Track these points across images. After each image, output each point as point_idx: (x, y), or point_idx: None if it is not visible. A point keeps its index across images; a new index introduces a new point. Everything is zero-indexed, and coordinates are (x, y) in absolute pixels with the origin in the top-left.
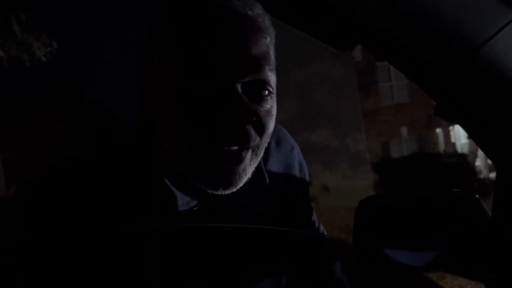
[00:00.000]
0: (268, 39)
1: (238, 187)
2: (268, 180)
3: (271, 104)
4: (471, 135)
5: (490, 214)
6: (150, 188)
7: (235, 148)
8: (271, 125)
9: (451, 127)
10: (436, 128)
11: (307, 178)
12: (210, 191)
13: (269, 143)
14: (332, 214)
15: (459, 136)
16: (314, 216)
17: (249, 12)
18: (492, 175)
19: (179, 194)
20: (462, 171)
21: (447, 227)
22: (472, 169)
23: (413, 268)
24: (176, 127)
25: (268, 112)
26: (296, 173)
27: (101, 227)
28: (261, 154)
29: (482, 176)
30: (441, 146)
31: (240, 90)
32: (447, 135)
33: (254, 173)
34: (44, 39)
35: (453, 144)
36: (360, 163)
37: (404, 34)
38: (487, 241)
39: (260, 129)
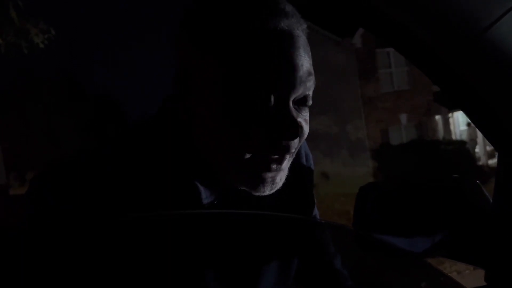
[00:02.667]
0: (310, 54)
1: (275, 189)
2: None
3: (308, 112)
4: (473, 120)
5: (491, 199)
6: (177, 182)
7: (279, 156)
8: (307, 130)
9: (450, 114)
10: (436, 115)
11: (312, 168)
12: (252, 193)
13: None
14: (332, 201)
15: (458, 123)
16: (316, 211)
17: (299, 31)
18: (491, 161)
19: (203, 189)
20: (461, 158)
21: (447, 213)
22: (471, 156)
23: (413, 254)
24: (228, 137)
25: (307, 121)
26: (304, 162)
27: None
28: (292, 158)
29: (481, 162)
30: (440, 133)
31: (291, 105)
32: (446, 122)
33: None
34: (42, 26)
35: (452, 131)
36: (360, 150)
37: (408, 18)
38: (488, 227)
39: (301, 137)
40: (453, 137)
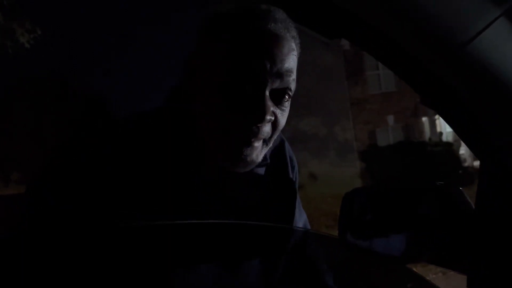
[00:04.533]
0: (296, 55)
1: (251, 168)
2: (269, 160)
3: (287, 106)
4: (455, 129)
5: (473, 205)
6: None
7: (257, 138)
8: (283, 122)
9: (437, 116)
10: (422, 117)
11: (296, 170)
12: (231, 169)
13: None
14: (320, 201)
15: (445, 125)
16: (302, 212)
17: (287, 35)
18: (476, 163)
19: (197, 169)
20: (447, 160)
21: (430, 219)
22: (456, 158)
23: (396, 259)
24: (217, 118)
25: (283, 113)
26: (288, 163)
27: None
28: (270, 145)
29: (466, 164)
30: (427, 134)
31: (268, 94)
32: (433, 124)
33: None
34: (28, 26)
35: (439, 133)
36: (348, 151)
37: (390, 28)
38: (469, 233)
39: (274, 126)
40: (439, 139)
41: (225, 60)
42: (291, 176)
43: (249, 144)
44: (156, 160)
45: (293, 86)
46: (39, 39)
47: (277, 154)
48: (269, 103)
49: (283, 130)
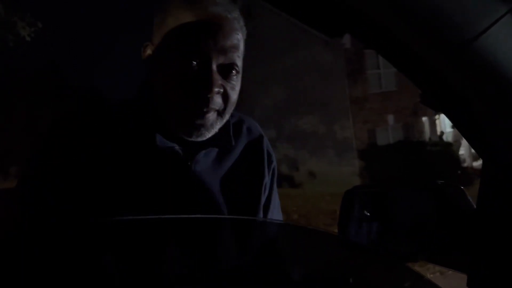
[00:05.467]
0: (240, 35)
1: (207, 138)
2: (233, 143)
3: (236, 81)
4: (458, 127)
5: (474, 205)
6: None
7: (206, 108)
8: (234, 96)
9: (436, 116)
10: (422, 117)
11: (274, 167)
12: (187, 138)
13: (241, 128)
14: (318, 200)
15: (445, 125)
16: (278, 210)
17: (229, 15)
18: (476, 163)
19: (161, 138)
20: (446, 159)
21: (431, 217)
22: (456, 158)
23: (396, 257)
24: (172, 93)
25: (233, 87)
26: (264, 158)
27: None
28: (226, 118)
29: (465, 164)
30: (427, 134)
31: (215, 69)
32: (432, 124)
33: (222, 135)
34: (29, 19)
35: (439, 133)
36: (347, 150)
37: (394, 24)
38: (470, 232)
39: (225, 98)
40: (439, 139)
41: (174, 41)
42: (266, 171)
43: (202, 114)
44: (124, 139)
45: (239, 62)
46: (40, 32)
47: (253, 147)
48: (216, 76)
49: (281, 128)
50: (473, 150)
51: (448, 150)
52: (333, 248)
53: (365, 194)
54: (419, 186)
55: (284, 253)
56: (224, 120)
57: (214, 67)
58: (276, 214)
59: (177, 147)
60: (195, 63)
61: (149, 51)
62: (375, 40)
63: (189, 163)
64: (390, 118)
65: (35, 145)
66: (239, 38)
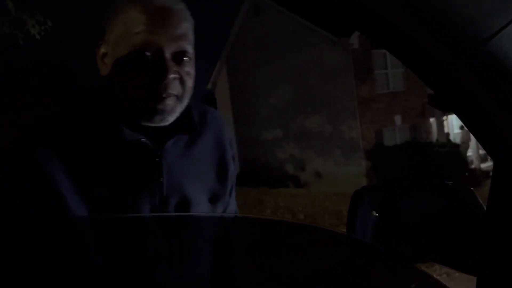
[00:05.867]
0: (188, 24)
1: (169, 122)
2: (198, 128)
3: (190, 67)
4: (469, 127)
5: (484, 206)
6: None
7: (165, 94)
8: (190, 81)
9: (444, 117)
10: (430, 118)
11: (234, 152)
12: (151, 124)
13: (206, 117)
14: (324, 200)
15: (452, 126)
16: (233, 194)
17: (174, 7)
18: (483, 165)
19: (127, 130)
20: (453, 161)
21: (440, 218)
22: (463, 159)
23: (404, 257)
24: (131, 84)
25: (188, 73)
26: (228, 145)
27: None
28: (185, 102)
29: (473, 166)
30: (434, 135)
31: (168, 56)
32: (440, 124)
33: (187, 123)
34: (39, 17)
35: (446, 134)
36: (354, 150)
37: (406, 22)
38: (481, 234)
39: (182, 83)
40: (447, 140)
41: (126, 36)
42: (231, 158)
43: (161, 99)
44: (94, 135)
45: (190, 49)
46: (50, 30)
47: (218, 136)
48: (170, 63)
49: (288, 127)
50: (481, 152)
51: (455, 151)
52: (341, 247)
53: (374, 194)
54: (428, 187)
55: (291, 251)
56: (184, 105)
57: (168, 55)
58: (234, 200)
59: (144, 139)
60: (148, 54)
61: (103, 50)
62: (386, 38)
63: (158, 153)
64: (398, 119)
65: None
66: (187, 27)
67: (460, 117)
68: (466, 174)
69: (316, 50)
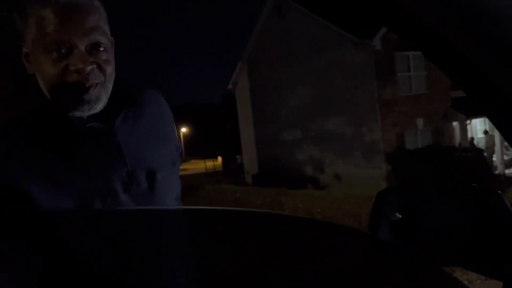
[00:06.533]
0: (97, 16)
1: (99, 109)
2: (138, 100)
3: (107, 56)
4: (503, 132)
5: None
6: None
7: (88, 83)
8: (109, 68)
9: (468, 121)
10: (453, 121)
11: (174, 129)
12: (82, 114)
13: (144, 92)
14: (344, 202)
15: (476, 130)
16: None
17: (80, 2)
18: (508, 171)
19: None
20: (476, 166)
21: (466, 221)
22: (487, 164)
23: (428, 260)
24: (55, 81)
25: (106, 60)
26: (172, 122)
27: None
28: (109, 88)
29: (497, 171)
30: (457, 139)
31: (83, 49)
32: (463, 129)
33: (123, 97)
34: None
35: (469, 139)
36: (374, 153)
37: (439, 20)
38: (508, 238)
39: (102, 71)
40: (470, 145)
41: (40, 37)
42: (175, 134)
43: (85, 88)
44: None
45: (103, 39)
46: None
47: (160, 113)
48: (85, 55)
49: (308, 129)
50: (505, 157)
51: (479, 156)
52: (364, 246)
53: (398, 195)
54: (454, 189)
55: (315, 249)
56: (109, 91)
57: (82, 48)
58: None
59: (92, 123)
60: (63, 51)
61: (25, 49)
62: (420, 38)
63: (111, 132)
64: (420, 122)
65: None
66: (97, 19)
67: (494, 121)
68: (490, 179)
69: (338, 52)
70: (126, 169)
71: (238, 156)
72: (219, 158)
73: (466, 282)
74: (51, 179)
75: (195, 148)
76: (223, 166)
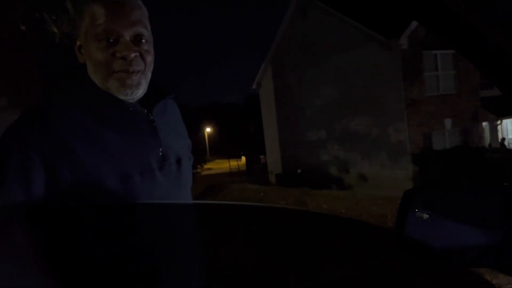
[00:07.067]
0: (141, 12)
1: (139, 95)
2: (168, 105)
3: (147, 46)
4: None
5: None
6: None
7: (131, 69)
8: (149, 58)
9: (499, 121)
10: (483, 122)
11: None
12: (125, 98)
13: (165, 104)
14: (369, 203)
15: (507, 131)
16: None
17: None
18: None
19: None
20: (507, 167)
21: (498, 221)
22: None
23: (458, 261)
24: (103, 66)
25: (147, 51)
26: (183, 126)
27: None
28: (149, 76)
29: None
30: (487, 140)
31: (128, 38)
32: (494, 129)
33: (156, 90)
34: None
35: (500, 139)
36: (400, 153)
37: (482, 21)
38: None
39: (143, 59)
40: (501, 145)
41: (93, 29)
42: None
43: (130, 75)
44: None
45: (145, 32)
46: None
47: (176, 115)
48: (130, 44)
49: (332, 129)
50: None
51: (510, 157)
52: (390, 244)
53: (426, 194)
54: (484, 188)
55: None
56: (148, 79)
57: (127, 38)
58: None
59: (136, 107)
60: (111, 39)
61: (78, 42)
62: (457, 35)
63: (151, 117)
64: (448, 122)
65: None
66: (141, 14)
67: None
68: None
69: (364, 51)
70: (161, 149)
71: (262, 156)
72: (243, 158)
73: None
74: (101, 151)
75: (219, 148)
76: (247, 166)
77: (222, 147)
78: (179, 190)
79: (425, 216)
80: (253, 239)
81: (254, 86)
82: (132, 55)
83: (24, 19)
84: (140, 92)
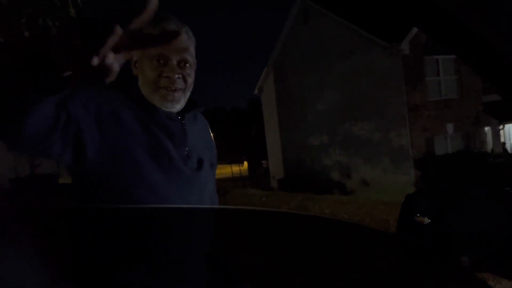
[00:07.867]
0: (189, 42)
1: (177, 109)
2: (196, 114)
3: (190, 70)
4: None
5: None
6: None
7: (173, 87)
8: (190, 79)
9: (501, 126)
10: (485, 126)
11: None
12: (165, 109)
13: (195, 114)
14: (371, 208)
15: (509, 136)
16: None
17: (179, 29)
18: None
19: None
20: (510, 172)
21: (499, 226)
22: None
23: (459, 265)
24: (152, 81)
25: (189, 74)
26: (210, 136)
27: None
28: (187, 95)
29: None
30: (489, 145)
31: (175, 63)
32: (496, 134)
33: (191, 103)
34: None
35: (502, 144)
36: (403, 158)
37: (481, 25)
38: None
39: (185, 81)
40: (503, 150)
41: (147, 50)
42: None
43: (172, 91)
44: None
45: (190, 58)
46: None
47: (205, 126)
48: (175, 67)
49: (335, 133)
50: None
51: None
52: (392, 249)
53: (427, 198)
54: (487, 193)
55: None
56: (187, 97)
57: (174, 62)
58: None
59: (173, 113)
60: (161, 61)
61: (135, 58)
62: (452, 37)
63: (183, 121)
64: (450, 127)
65: None
66: (188, 43)
67: None
68: None
69: (366, 56)
70: (186, 148)
71: (264, 161)
72: (245, 163)
73: None
74: (139, 145)
75: (221, 153)
76: (249, 171)
77: (224, 152)
78: (198, 189)
79: (426, 220)
80: (256, 243)
81: (256, 91)
82: (176, 76)
83: (28, 25)
84: (179, 107)
